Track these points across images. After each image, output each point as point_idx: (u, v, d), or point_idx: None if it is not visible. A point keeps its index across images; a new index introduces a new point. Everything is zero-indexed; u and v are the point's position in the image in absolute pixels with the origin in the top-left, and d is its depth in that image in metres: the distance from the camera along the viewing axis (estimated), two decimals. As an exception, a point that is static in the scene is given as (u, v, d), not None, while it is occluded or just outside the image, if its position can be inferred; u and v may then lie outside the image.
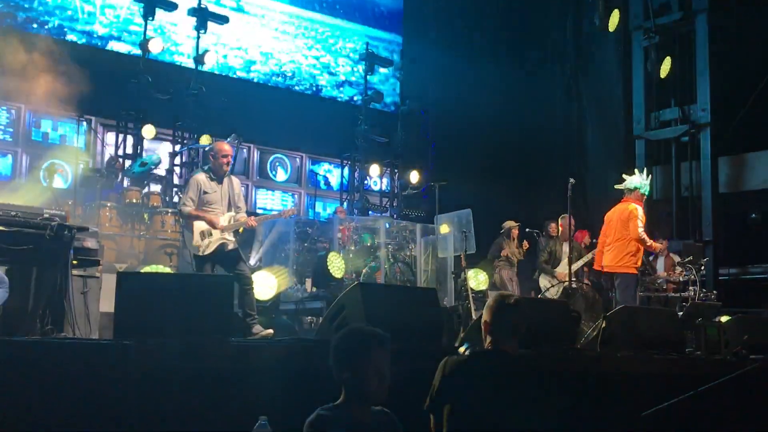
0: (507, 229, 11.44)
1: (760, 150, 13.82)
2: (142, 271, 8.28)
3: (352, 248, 10.16)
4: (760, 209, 13.68)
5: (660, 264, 11.21)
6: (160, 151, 12.49)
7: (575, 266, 9.70)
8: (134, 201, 10.12)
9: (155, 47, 11.81)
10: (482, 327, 3.69)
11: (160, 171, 11.60)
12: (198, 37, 12.41)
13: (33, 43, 10.93)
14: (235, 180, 7.37)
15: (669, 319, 7.17)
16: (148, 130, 11.58)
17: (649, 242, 8.58)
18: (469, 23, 15.66)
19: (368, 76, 14.27)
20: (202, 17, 12.42)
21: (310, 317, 9.30)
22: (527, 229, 11.44)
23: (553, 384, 3.69)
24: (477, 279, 10.64)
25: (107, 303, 6.25)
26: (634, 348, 6.10)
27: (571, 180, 8.97)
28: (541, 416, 3.42)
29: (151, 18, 11.88)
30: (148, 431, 3.70)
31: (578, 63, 16.24)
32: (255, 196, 14.70)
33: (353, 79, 15.86)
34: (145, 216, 10.00)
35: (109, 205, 9.87)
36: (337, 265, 9.26)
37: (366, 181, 14.86)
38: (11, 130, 12.06)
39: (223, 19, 12.89)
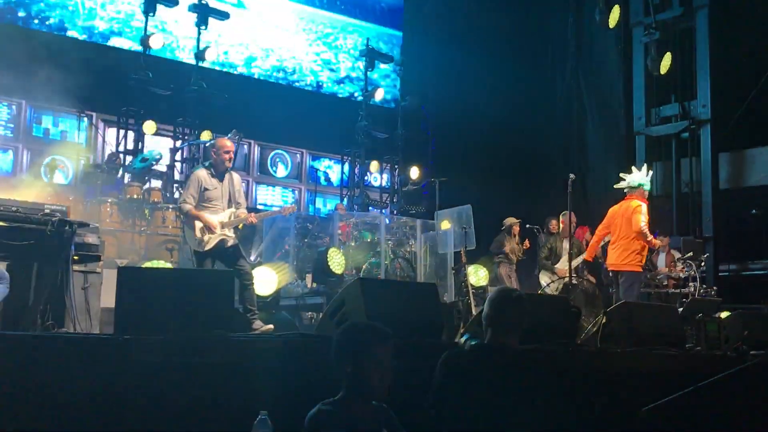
0: (508, 226, 11.42)
1: (761, 146, 13.80)
2: (142, 266, 8.28)
3: (353, 244, 10.16)
4: (760, 205, 13.66)
5: (661, 260, 11.23)
6: (160, 147, 12.50)
7: (575, 262, 9.71)
8: (135, 197, 10.13)
9: (156, 43, 11.81)
10: (483, 320, 3.69)
11: (161, 167, 11.62)
12: (199, 33, 12.41)
13: (34, 39, 10.95)
14: (236, 176, 7.35)
15: (669, 315, 7.15)
16: (149, 126, 11.60)
17: (650, 237, 8.56)
18: (469, 19, 15.63)
19: (369, 72, 14.26)
20: (203, 13, 12.42)
21: (310, 313, 9.30)
22: (528, 225, 11.41)
23: (553, 379, 3.70)
24: (477, 275, 10.63)
25: (108, 298, 6.23)
26: (634, 343, 6.09)
27: (572, 176, 8.94)
28: (540, 411, 3.43)
29: (152, 14, 11.88)
30: (149, 426, 3.71)
31: (579, 59, 16.21)
32: (255, 191, 14.71)
33: (354, 75, 15.86)
34: (146, 212, 10.02)
35: (109, 200, 9.90)
36: (337, 261, 9.25)
37: (366, 177, 14.86)
38: (12, 125, 12.09)
39: (224, 15, 12.88)
